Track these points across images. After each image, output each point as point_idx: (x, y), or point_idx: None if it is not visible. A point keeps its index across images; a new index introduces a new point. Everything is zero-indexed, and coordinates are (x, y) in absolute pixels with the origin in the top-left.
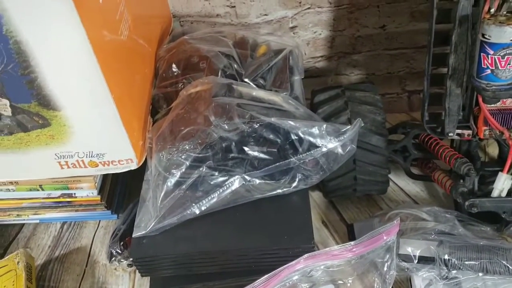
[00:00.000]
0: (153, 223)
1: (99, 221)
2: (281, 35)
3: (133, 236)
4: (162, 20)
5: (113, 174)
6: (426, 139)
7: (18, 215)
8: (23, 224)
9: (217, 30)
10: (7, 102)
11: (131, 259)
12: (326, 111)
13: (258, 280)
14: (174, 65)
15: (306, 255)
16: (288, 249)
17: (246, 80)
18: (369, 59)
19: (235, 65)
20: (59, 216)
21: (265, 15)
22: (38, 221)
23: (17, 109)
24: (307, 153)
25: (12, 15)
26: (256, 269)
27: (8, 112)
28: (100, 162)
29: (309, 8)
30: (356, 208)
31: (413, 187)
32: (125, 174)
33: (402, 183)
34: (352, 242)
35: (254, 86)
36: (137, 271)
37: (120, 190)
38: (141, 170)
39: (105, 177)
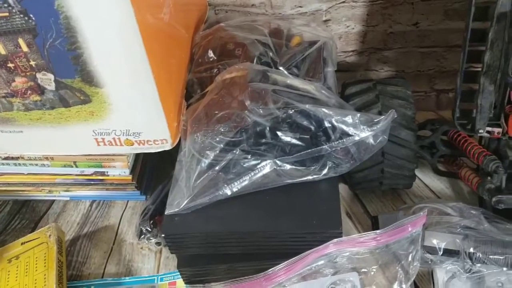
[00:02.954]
0: (185, 202)
1: (127, 201)
2: (316, 26)
3: (165, 213)
4: (198, 8)
5: (143, 155)
6: (455, 136)
7: (50, 191)
8: (53, 201)
9: (252, 19)
10: (52, 76)
11: (159, 237)
12: (357, 103)
13: (286, 262)
14: (209, 51)
15: (335, 240)
16: (316, 234)
17: (280, 68)
18: (399, 56)
19: (270, 53)
20: (89, 194)
21: (300, 7)
22: (68, 198)
23: (61, 84)
24: (339, 141)
25: None
26: (283, 252)
27: (52, 86)
28: (136, 141)
29: (343, 2)
30: (380, 202)
31: (438, 184)
32: (154, 156)
33: (427, 180)
34: (378, 231)
35: (288, 74)
36: (162, 251)
37: (149, 172)
38: (170, 152)
39: (136, 158)
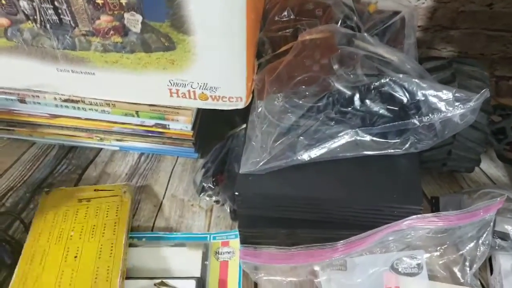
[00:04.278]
0: (262, 163)
1: (177, 157)
2: None
3: (240, 172)
4: None
5: (201, 112)
6: None
7: (101, 138)
8: (100, 149)
9: None
10: (140, 18)
11: (220, 195)
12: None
13: (363, 233)
14: (287, 10)
15: (414, 217)
16: (394, 208)
17: (365, 34)
18: (465, 37)
19: (355, 17)
20: (140, 146)
21: None
22: (118, 148)
23: (148, 27)
24: (429, 117)
25: None
26: (352, 223)
27: (137, 28)
28: (211, 96)
29: None
30: (437, 184)
31: (495, 171)
32: (208, 114)
33: (484, 166)
34: (451, 212)
35: (373, 41)
36: (213, 209)
37: (203, 130)
38: (222, 112)
39: (197, 114)
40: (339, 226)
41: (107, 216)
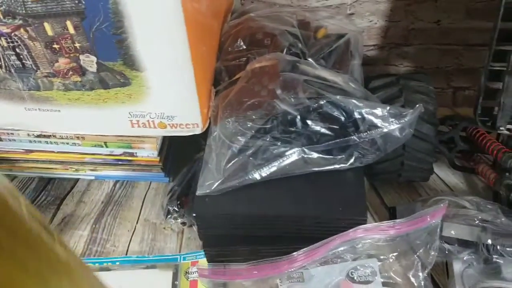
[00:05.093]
0: (216, 184)
1: (150, 182)
2: (343, 19)
3: (196, 194)
4: None
5: (169, 139)
6: (474, 132)
7: (76, 169)
8: (78, 179)
9: (280, 10)
10: (94, 59)
11: (185, 217)
12: (380, 97)
13: (311, 246)
14: (239, 41)
15: (361, 227)
16: (341, 220)
17: (309, 59)
18: (419, 52)
19: (300, 44)
20: (114, 174)
21: (325, 0)
22: (93, 178)
23: (102, 66)
24: (368, 133)
25: None
26: (307, 236)
27: (93, 68)
28: (169, 124)
29: None
30: (396, 193)
31: (453, 178)
32: (178, 140)
33: (442, 174)
34: (398, 220)
35: (317, 66)
36: (184, 231)
37: (172, 155)
38: (191, 136)
39: (163, 140)
40: (296, 240)
41: None
